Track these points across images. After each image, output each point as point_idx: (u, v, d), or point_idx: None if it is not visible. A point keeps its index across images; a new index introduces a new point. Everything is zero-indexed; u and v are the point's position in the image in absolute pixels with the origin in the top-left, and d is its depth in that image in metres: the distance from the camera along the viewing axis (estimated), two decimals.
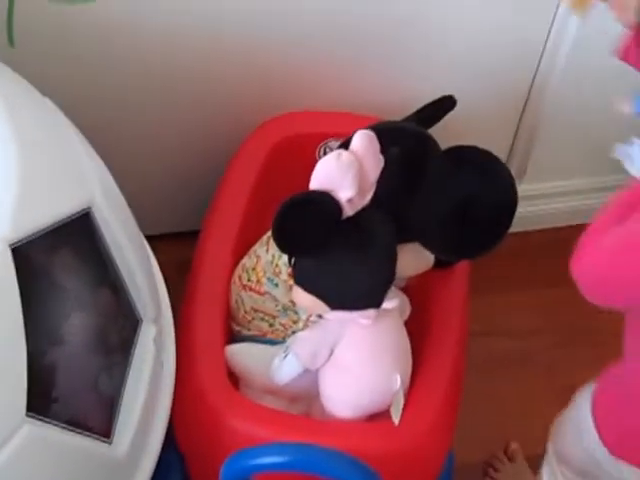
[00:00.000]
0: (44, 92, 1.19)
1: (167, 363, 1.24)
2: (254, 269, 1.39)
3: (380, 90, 1.61)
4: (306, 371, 1.27)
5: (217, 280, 1.38)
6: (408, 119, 1.39)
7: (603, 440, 1.19)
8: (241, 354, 1.33)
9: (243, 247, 1.43)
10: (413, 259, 1.34)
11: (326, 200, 1.14)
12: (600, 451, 1.20)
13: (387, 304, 1.24)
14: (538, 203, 1.79)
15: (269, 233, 1.39)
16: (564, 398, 1.53)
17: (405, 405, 1.25)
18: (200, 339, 1.30)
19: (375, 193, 1.20)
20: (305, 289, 1.22)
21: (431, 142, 1.33)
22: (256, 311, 1.40)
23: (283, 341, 1.37)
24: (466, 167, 1.27)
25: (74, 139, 1.15)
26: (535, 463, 1.52)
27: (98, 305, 1.09)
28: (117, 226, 1.11)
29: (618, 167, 1.86)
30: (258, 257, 1.40)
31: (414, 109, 1.43)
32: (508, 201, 1.29)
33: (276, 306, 1.39)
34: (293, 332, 1.37)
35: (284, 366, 1.27)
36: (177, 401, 1.27)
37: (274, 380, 1.28)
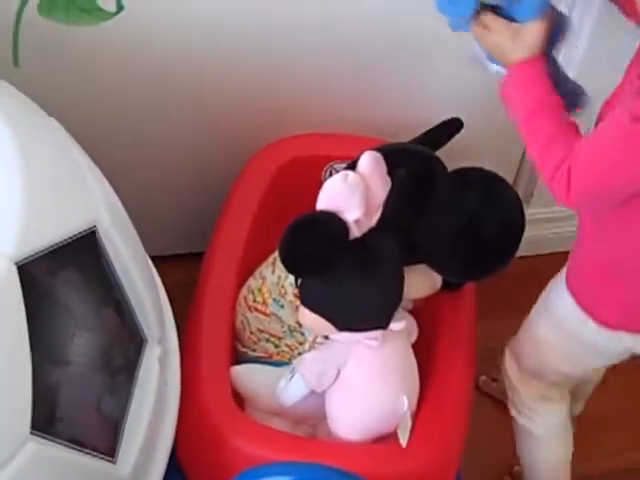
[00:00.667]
0: (49, 112, 1.19)
1: (172, 382, 1.24)
2: (260, 290, 1.39)
3: (386, 112, 1.60)
4: (312, 392, 1.26)
5: (222, 301, 1.37)
6: (415, 141, 1.39)
7: (598, 319, 1.20)
8: (247, 375, 1.32)
9: (248, 269, 1.43)
10: (420, 281, 1.33)
11: (333, 221, 1.14)
12: (592, 334, 1.21)
13: (394, 325, 1.23)
14: (546, 227, 1.78)
15: (275, 254, 1.38)
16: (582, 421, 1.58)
17: (413, 427, 1.24)
18: (205, 360, 1.30)
19: (382, 214, 1.20)
20: (311, 310, 1.21)
21: (438, 163, 1.32)
22: (262, 332, 1.39)
23: (289, 363, 1.36)
24: (472, 187, 1.27)
25: (80, 159, 1.16)
26: None
27: (103, 325, 1.10)
28: (122, 245, 1.11)
29: None
30: (264, 278, 1.39)
31: (420, 131, 1.42)
32: (514, 221, 1.28)
33: (282, 327, 1.38)
34: (299, 354, 1.36)
35: (290, 387, 1.26)
36: (181, 422, 1.26)
37: (280, 401, 1.27)
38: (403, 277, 1.23)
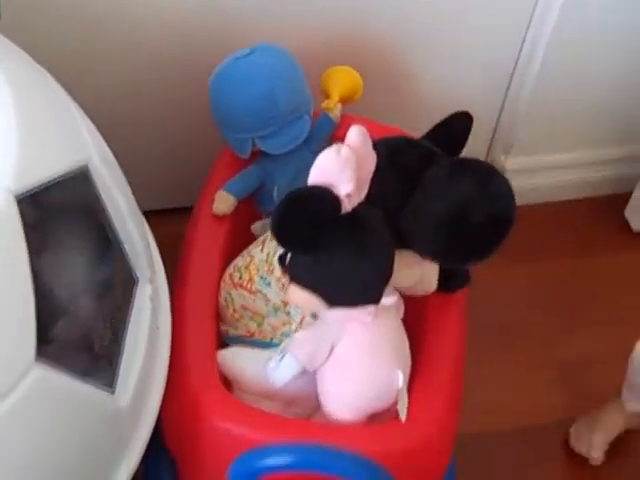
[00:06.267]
0: None
1: (163, 325, 1.25)
2: (247, 268, 1.36)
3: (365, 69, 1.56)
4: (303, 372, 1.23)
5: (206, 282, 1.34)
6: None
7: None
8: (233, 358, 1.29)
9: (232, 251, 1.40)
10: (404, 268, 1.28)
11: (326, 195, 1.12)
12: None
13: (386, 300, 1.21)
14: (525, 178, 1.76)
15: (264, 236, 1.37)
16: (561, 368, 1.67)
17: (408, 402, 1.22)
18: (191, 342, 1.27)
19: (369, 192, 1.18)
20: (302, 286, 1.18)
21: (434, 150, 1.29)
22: (245, 309, 1.36)
23: (271, 342, 1.34)
24: (468, 176, 1.22)
25: (69, 103, 1.17)
26: (533, 434, 1.60)
27: (97, 260, 1.12)
28: (113, 185, 1.13)
29: (605, 141, 1.86)
30: (252, 257, 1.36)
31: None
32: (505, 215, 1.23)
33: (266, 305, 1.35)
34: (282, 334, 1.34)
35: (281, 367, 1.23)
36: (168, 406, 1.23)
37: (271, 382, 1.24)
38: (394, 250, 1.20)
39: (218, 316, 1.37)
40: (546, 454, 1.60)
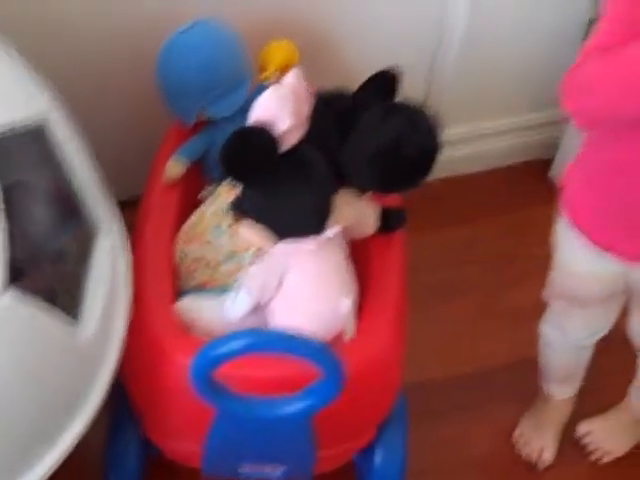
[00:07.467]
0: None
1: (121, 273, 1.32)
2: (199, 224, 1.46)
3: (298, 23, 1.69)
4: (256, 312, 1.33)
5: (161, 245, 1.43)
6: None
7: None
8: (191, 305, 1.37)
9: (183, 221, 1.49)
10: (343, 206, 1.37)
11: (264, 130, 1.22)
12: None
13: (329, 232, 1.31)
14: (452, 150, 1.83)
15: (214, 194, 1.49)
16: (502, 317, 1.78)
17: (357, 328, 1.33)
18: (150, 297, 1.35)
19: (308, 133, 1.28)
20: (252, 221, 1.29)
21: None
22: (200, 261, 1.45)
23: (226, 288, 1.41)
24: (398, 115, 1.33)
25: (24, 63, 1.24)
26: (482, 378, 1.71)
27: (58, 212, 1.21)
28: (71, 138, 1.21)
29: (525, 108, 1.95)
30: (203, 212, 1.47)
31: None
32: (433, 145, 1.34)
33: (221, 253, 1.44)
34: (235, 280, 1.41)
35: (236, 302, 1.32)
36: (131, 356, 1.30)
37: (228, 318, 1.33)
38: (333, 184, 1.32)
39: (175, 275, 1.44)
40: (497, 393, 1.71)
